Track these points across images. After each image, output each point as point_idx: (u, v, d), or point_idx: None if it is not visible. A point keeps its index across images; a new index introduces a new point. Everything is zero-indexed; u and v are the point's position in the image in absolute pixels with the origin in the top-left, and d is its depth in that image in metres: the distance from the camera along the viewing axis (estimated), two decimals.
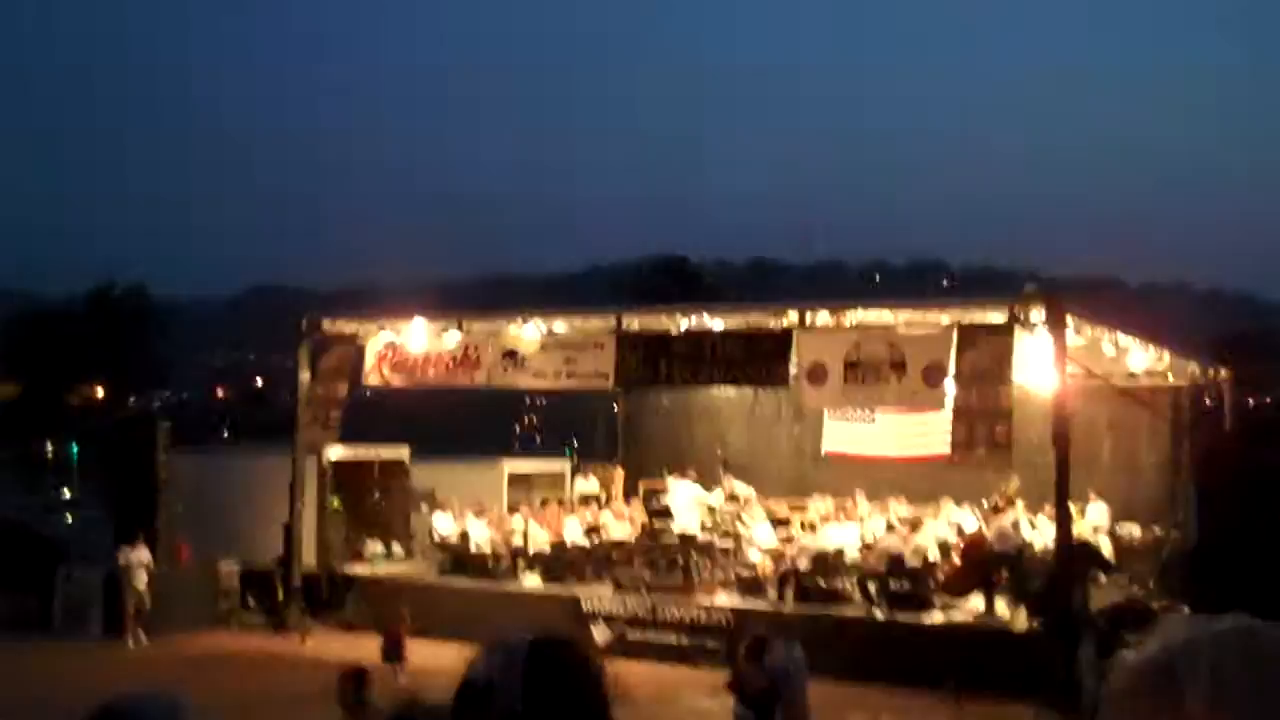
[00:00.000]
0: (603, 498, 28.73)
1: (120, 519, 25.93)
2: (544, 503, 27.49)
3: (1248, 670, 1.53)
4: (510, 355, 25.18)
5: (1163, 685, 1.55)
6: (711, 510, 25.93)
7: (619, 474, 30.73)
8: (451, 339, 25.86)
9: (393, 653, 18.90)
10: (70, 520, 43.94)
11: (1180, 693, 1.53)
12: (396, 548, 28.29)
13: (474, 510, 26.61)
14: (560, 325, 25.32)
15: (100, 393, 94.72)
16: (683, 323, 23.96)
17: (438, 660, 16.57)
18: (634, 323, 24.59)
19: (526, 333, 25.21)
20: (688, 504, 25.21)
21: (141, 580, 23.62)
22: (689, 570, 24.31)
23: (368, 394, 33.60)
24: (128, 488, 26.05)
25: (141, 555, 23.84)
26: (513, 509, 27.78)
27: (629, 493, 28.79)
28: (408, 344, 26.28)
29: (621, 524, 25.93)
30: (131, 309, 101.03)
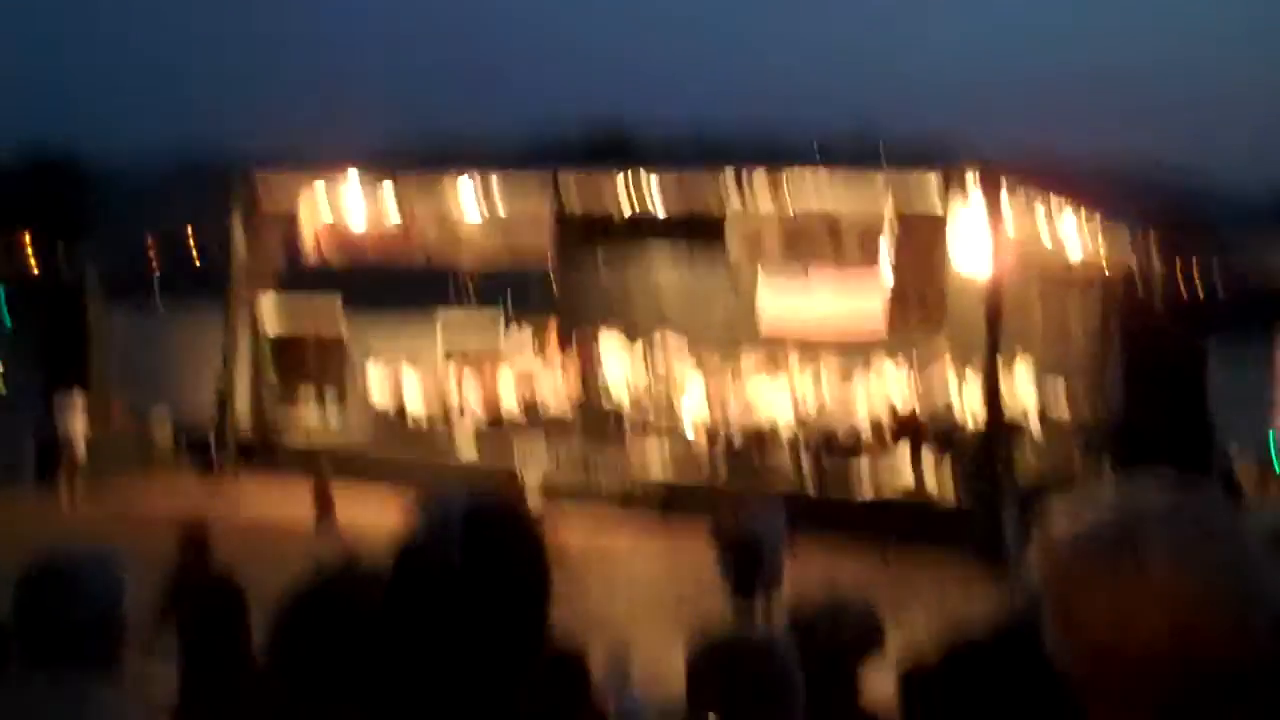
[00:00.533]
0: (536, 346, 28.43)
1: (51, 372, 25.66)
2: (478, 359, 27.22)
3: (1205, 540, 1.53)
4: (449, 231, 25.16)
5: (1120, 551, 1.52)
6: (647, 368, 25.83)
7: (553, 324, 30.40)
8: (391, 221, 25.60)
9: (324, 511, 18.74)
10: (1, 370, 43.47)
11: (1140, 559, 1.51)
12: (331, 404, 27.94)
13: (409, 360, 26.56)
14: (496, 186, 25.06)
15: (31, 252, 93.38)
16: (620, 191, 23.81)
17: (373, 518, 16.76)
18: (572, 189, 24.37)
19: (468, 213, 25.00)
20: (614, 361, 25.22)
21: (79, 429, 23.25)
22: (620, 427, 24.40)
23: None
24: (58, 339, 25.72)
25: (76, 407, 23.45)
26: (448, 357, 27.54)
27: (564, 344, 28.52)
28: (346, 221, 25.98)
29: (553, 378, 25.80)
30: (63, 170, 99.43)
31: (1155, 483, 1.61)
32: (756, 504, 14.75)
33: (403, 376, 26.32)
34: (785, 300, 27.75)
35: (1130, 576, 1.50)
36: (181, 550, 9.66)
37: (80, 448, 22.95)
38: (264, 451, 25.79)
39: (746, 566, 13.46)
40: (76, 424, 23.10)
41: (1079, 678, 1.55)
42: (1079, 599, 1.53)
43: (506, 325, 30.88)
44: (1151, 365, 20.82)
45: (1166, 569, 1.49)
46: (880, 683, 3.74)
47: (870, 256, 21.21)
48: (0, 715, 3.01)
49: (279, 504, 23.22)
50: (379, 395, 26.48)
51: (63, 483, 22.71)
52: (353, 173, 26.09)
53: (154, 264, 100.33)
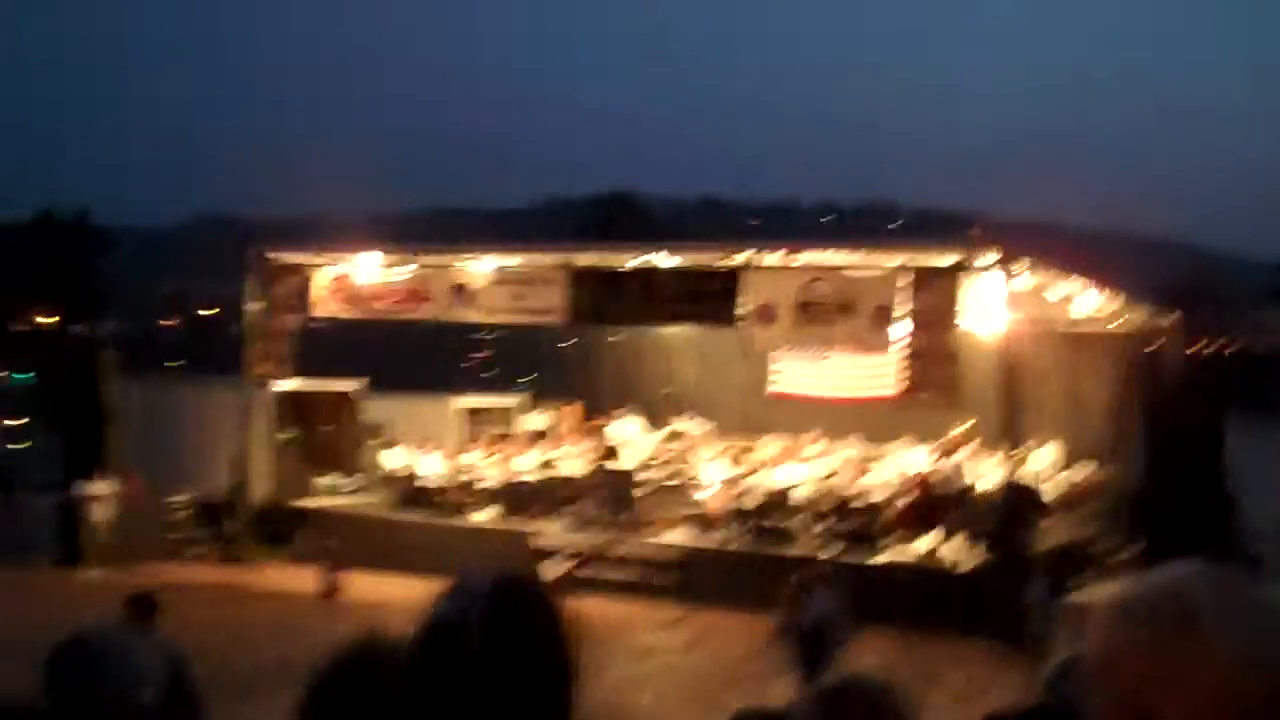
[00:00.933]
0: (554, 434, 28.71)
1: (70, 449, 25.74)
2: (495, 439, 27.44)
3: (1255, 609, 1.54)
4: (460, 290, 25.12)
5: (1175, 620, 1.53)
6: (660, 450, 25.92)
7: (572, 411, 30.71)
8: (401, 273, 25.83)
9: (331, 589, 18.50)
10: (20, 448, 43.56)
11: (1194, 627, 1.52)
12: (347, 481, 28.22)
13: (420, 445, 26.58)
14: (512, 261, 25.29)
15: (43, 320, 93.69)
16: (631, 262, 23.98)
17: (391, 593, 16.72)
18: (584, 260, 24.56)
19: (476, 267, 25.17)
20: (632, 441, 25.21)
21: (101, 512, 23.33)
22: (634, 507, 24.44)
23: (317, 327, 33.40)
24: (76, 417, 25.83)
25: (101, 489, 23.55)
26: (465, 445, 27.80)
27: (582, 429, 28.77)
28: (357, 276, 26.19)
29: (574, 461, 25.95)
30: (74, 234, 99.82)
31: (1189, 562, 1.62)
32: (821, 588, 14.59)
33: (422, 453, 26.38)
34: (799, 369, 27.96)
35: (1187, 645, 1.51)
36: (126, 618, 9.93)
37: (101, 526, 22.86)
38: (282, 527, 25.83)
39: (813, 651, 13.23)
40: (96, 503, 23.06)
41: None
42: (1133, 668, 1.53)
43: (525, 409, 31.11)
44: (1170, 438, 20.73)
45: (1221, 637, 1.51)
46: None
47: (883, 327, 21.24)
48: None
49: (297, 578, 23.24)
50: (397, 467, 26.56)
51: (84, 561, 22.60)
52: (372, 254, 26.26)
53: (170, 338, 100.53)
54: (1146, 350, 28.92)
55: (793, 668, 13.67)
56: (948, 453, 22.69)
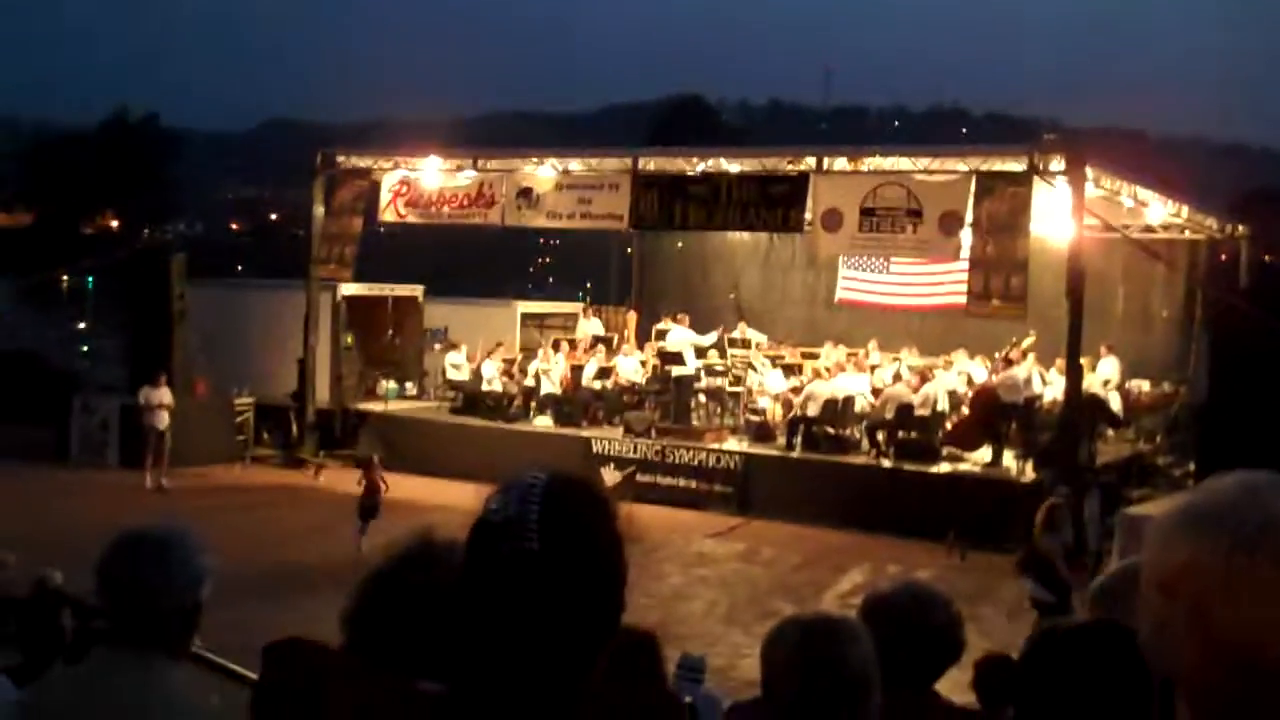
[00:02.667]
0: (615, 340, 28.80)
1: (136, 352, 26.03)
2: (556, 344, 27.55)
3: None
4: (525, 194, 25.10)
5: (1238, 526, 1.48)
6: (723, 354, 25.94)
7: (632, 317, 30.81)
8: (466, 177, 25.87)
9: (371, 505, 17.80)
10: (86, 351, 44.19)
11: (1263, 534, 1.47)
12: (409, 386, 28.53)
13: (488, 350, 26.69)
14: (576, 165, 25.25)
15: (114, 223, 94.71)
16: (699, 165, 23.90)
17: (450, 497, 16.88)
18: (650, 164, 24.49)
19: (542, 172, 25.15)
20: (686, 348, 25.21)
21: (163, 421, 22.73)
22: (693, 414, 24.53)
23: (382, 231, 33.49)
24: (143, 320, 26.07)
25: (163, 395, 22.97)
26: (525, 350, 27.94)
27: (642, 336, 28.85)
28: (422, 180, 26.24)
29: (633, 367, 26.00)
30: (145, 138, 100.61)
31: (1253, 471, 1.57)
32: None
33: (482, 358, 26.51)
34: (866, 276, 27.96)
35: (1257, 554, 1.46)
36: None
37: (167, 437, 22.68)
38: (345, 430, 26.13)
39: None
40: (164, 414, 22.77)
41: (1197, 679, 1.51)
42: (1198, 578, 1.49)
43: (585, 314, 31.22)
44: (1237, 351, 20.45)
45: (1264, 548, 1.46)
46: (958, 675, 3.70)
47: (952, 234, 21.06)
48: (83, 691, 3.04)
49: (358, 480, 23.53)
50: (458, 372, 26.72)
51: (148, 463, 22.47)
52: (434, 157, 26.31)
53: (237, 242, 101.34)
54: (1216, 260, 28.61)
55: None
56: (1009, 363, 22.53)
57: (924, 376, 23.32)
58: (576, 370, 25.84)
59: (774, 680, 3.09)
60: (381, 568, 2.55)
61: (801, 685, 2.99)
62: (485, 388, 25.87)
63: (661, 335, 26.83)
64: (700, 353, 25.10)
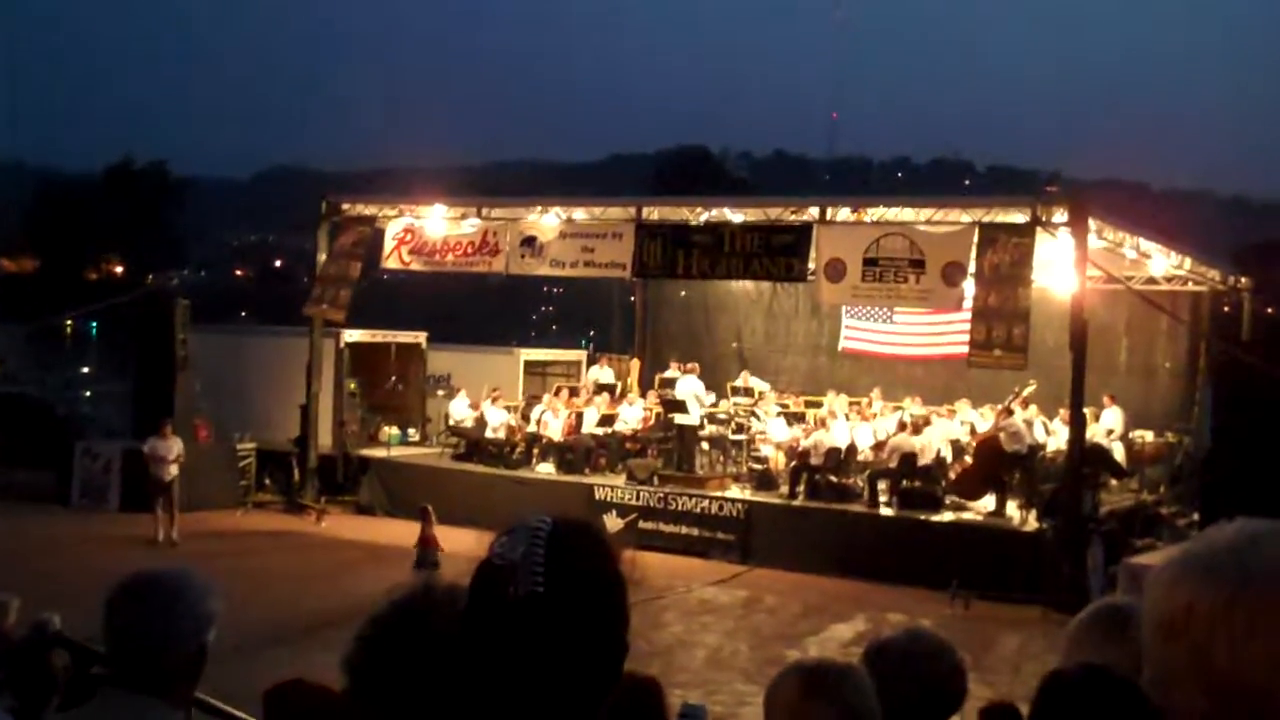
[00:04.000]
0: (618, 389, 28.82)
1: (139, 397, 26.06)
2: (558, 392, 27.56)
3: None
4: (529, 242, 25.16)
5: (1243, 573, 1.48)
6: (723, 403, 25.96)
7: (635, 365, 30.85)
8: (471, 225, 25.94)
9: (428, 558, 17.52)
10: (89, 396, 44.23)
11: (1270, 581, 1.47)
12: (412, 432, 28.54)
13: (491, 397, 26.70)
14: (580, 214, 25.33)
15: (119, 269, 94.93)
16: (702, 215, 23.98)
17: (452, 544, 16.84)
18: (654, 213, 24.57)
19: (545, 220, 25.23)
20: (696, 396, 25.22)
21: (171, 473, 21.78)
22: (697, 462, 24.52)
23: (384, 278, 33.57)
24: (146, 366, 26.09)
25: (172, 447, 21.97)
26: (534, 398, 27.96)
27: (646, 385, 28.87)
28: (427, 229, 26.30)
29: (636, 415, 26.02)
30: (150, 185, 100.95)
31: (1256, 519, 1.57)
32: None
33: (485, 406, 26.51)
34: (870, 326, 28.02)
35: (1262, 602, 1.45)
36: None
37: (168, 476, 21.95)
38: (347, 476, 26.13)
39: None
40: (173, 467, 21.92)
41: (1193, 718, 1.51)
42: (1202, 625, 1.49)
43: (589, 364, 31.28)
44: (1240, 402, 20.47)
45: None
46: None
47: (955, 284, 21.08)
48: None
49: (361, 529, 23.50)
50: (461, 419, 26.72)
51: (158, 515, 21.63)
52: (439, 205, 26.41)
53: (241, 288, 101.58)
54: (1219, 311, 28.66)
55: None
56: (1009, 413, 22.53)
57: (920, 424, 23.31)
58: (579, 418, 25.85)
59: None
60: (382, 613, 2.55)
61: None
62: (489, 434, 25.86)
63: (666, 384, 26.85)
64: (700, 403, 25.11)
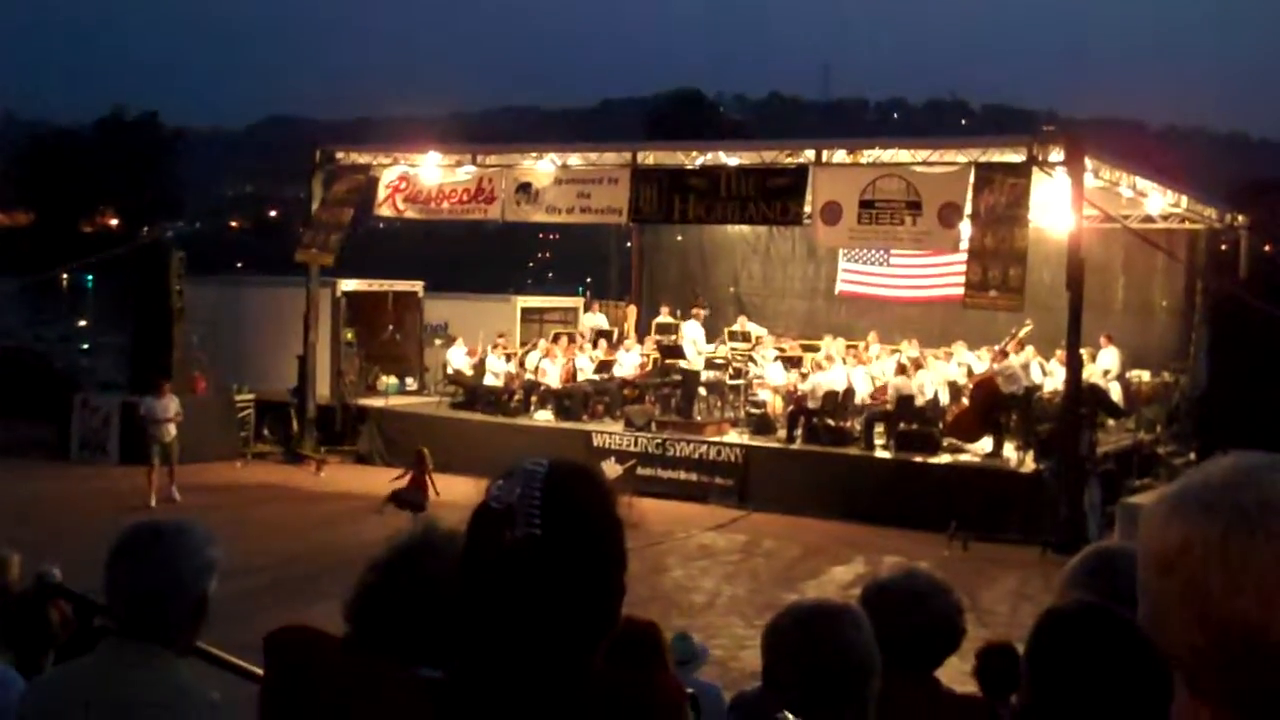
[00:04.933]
0: (615, 334, 28.81)
1: (136, 350, 26.04)
2: (556, 338, 27.55)
3: None
4: (524, 189, 25.09)
5: (1240, 507, 1.46)
6: (723, 347, 25.99)
7: (632, 311, 30.83)
8: (465, 172, 25.86)
9: (413, 498, 17.74)
10: (86, 349, 44.23)
11: (1265, 515, 1.46)
12: (410, 381, 28.54)
13: (491, 343, 26.68)
14: (575, 160, 25.25)
15: (113, 221, 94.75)
16: (698, 159, 23.90)
17: (451, 492, 16.89)
18: (649, 158, 24.50)
19: (541, 166, 25.15)
20: (694, 343, 25.21)
21: (169, 434, 21.13)
22: (696, 407, 24.56)
23: (380, 226, 33.49)
24: (143, 318, 26.05)
25: (169, 406, 21.31)
26: (526, 344, 27.94)
27: (642, 330, 28.87)
28: (421, 176, 26.21)
29: (634, 361, 26.02)
30: (143, 136, 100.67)
31: (1250, 454, 1.56)
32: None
33: (483, 353, 26.51)
34: (867, 268, 28.00)
35: (1259, 535, 1.44)
36: None
37: (174, 450, 21.28)
38: (346, 425, 26.17)
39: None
40: (170, 427, 21.26)
41: (1195, 660, 1.51)
42: (1197, 560, 1.49)
43: (585, 309, 31.25)
44: (1236, 340, 20.50)
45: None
46: (958, 663, 3.71)
47: (951, 225, 21.04)
48: (90, 686, 3.05)
49: (360, 478, 23.54)
50: (458, 367, 26.70)
51: (153, 477, 20.89)
52: (433, 153, 26.33)
53: (236, 239, 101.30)
54: (1216, 250, 28.62)
55: None
56: (1005, 354, 22.54)
57: (916, 365, 23.35)
58: (577, 364, 25.86)
59: (776, 667, 3.10)
60: (383, 558, 2.56)
61: (803, 671, 3.00)
62: (489, 381, 25.85)
63: (663, 329, 26.84)
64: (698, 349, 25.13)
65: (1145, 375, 25.48)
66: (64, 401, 25.86)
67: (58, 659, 3.63)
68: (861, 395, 23.32)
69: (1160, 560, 1.53)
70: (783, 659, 3.08)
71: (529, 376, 25.91)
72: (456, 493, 2.33)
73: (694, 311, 26.37)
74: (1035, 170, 20.42)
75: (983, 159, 21.03)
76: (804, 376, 23.81)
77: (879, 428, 22.49)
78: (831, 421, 22.75)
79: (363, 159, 27.11)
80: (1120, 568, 2.63)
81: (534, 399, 25.68)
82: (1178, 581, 1.50)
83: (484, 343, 26.88)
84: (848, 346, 25.52)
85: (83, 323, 56.68)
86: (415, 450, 19.24)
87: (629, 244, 33.94)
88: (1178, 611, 1.50)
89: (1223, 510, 1.49)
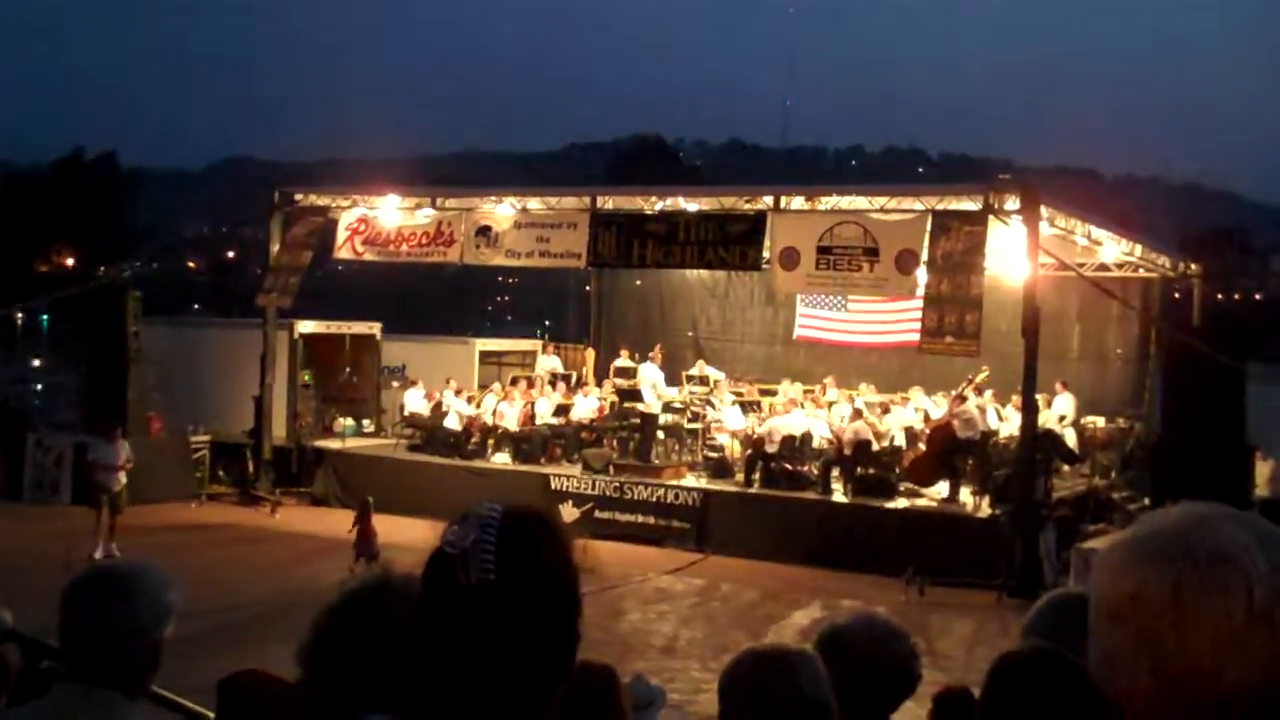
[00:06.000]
0: (573, 378, 28.82)
1: (92, 390, 25.90)
2: (513, 381, 27.52)
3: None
4: (483, 232, 25.10)
5: (1223, 579, 1.47)
6: (681, 391, 26.03)
7: (590, 355, 30.85)
8: (425, 215, 25.85)
9: (366, 549, 17.59)
10: (40, 389, 43.87)
11: (1218, 562, 1.48)
12: (367, 423, 28.43)
13: (456, 389, 26.62)
14: (535, 204, 25.29)
15: (70, 261, 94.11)
16: (657, 204, 23.99)
17: (407, 536, 16.80)
18: (608, 202, 24.57)
19: (500, 210, 25.18)
20: (653, 386, 25.22)
21: (118, 483, 19.76)
22: (653, 451, 24.54)
23: (339, 268, 33.41)
24: (98, 358, 25.91)
25: (119, 453, 19.91)
26: (483, 387, 27.90)
27: (600, 374, 28.88)
28: (380, 219, 26.19)
29: (591, 405, 26.01)
30: (101, 177, 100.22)
31: (1204, 502, 1.58)
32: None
33: (440, 396, 26.46)
34: (824, 314, 28.11)
35: (1213, 583, 1.46)
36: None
37: (123, 499, 19.93)
38: (301, 467, 26.03)
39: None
40: (120, 475, 19.88)
41: (1146, 708, 1.51)
42: (1153, 608, 1.50)
43: (544, 350, 31.26)
44: (1190, 388, 20.65)
45: (1250, 573, 1.47)
46: (914, 708, 3.72)
47: (908, 272, 21.16)
48: None
49: (316, 520, 23.40)
50: (415, 409, 26.62)
51: (99, 527, 19.51)
52: (392, 196, 26.33)
53: (193, 280, 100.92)
54: (1169, 298, 28.90)
55: None
56: (962, 399, 22.66)
57: (883, 412, 23.49)
58: (534, 407, 25.83)
59: (730, 712, 3.11)
60: (336, 603, 2.55)
61: (757, 716, 3.00)
62: (450, 423, 25.75)
63: (621, 373, 26.85)
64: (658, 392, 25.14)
65: (1100, 421, 25.65)
66: (17, 441, 25.61)
67: (11, 703, 3.59)
68: (819, 439, 23.38)
69: (1112, 609, 1.54)
70: (737, 703, 3.08)
71: (486, 419, 25.85)
72: (413, 536, 2.33)
73: (650, 355, 26.38)
74: (991, 218, 20.61)
75: (939, 206, 21.20)
76: (761, 420, 23.86)
77: (836, 472, 22.54)
78: (789, 465, 22.78)
79: (321, 201, 27.07)
80: (1078, 614, 2.65)
81: (491, 442, 25.62)
82: (1130, 630, 1.52)
83: (441, 386, 26.82)
84: (805, 391, 25.58)
85: (37, 362, 56.20)
86: (360, 499, 19.16)
87: (588, 287, 33.98)
88: (1130, 659, 1.52)
89: (1174, 560, 1.51)
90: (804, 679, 3.04)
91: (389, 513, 19.89)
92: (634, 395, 25.01)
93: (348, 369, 28.81)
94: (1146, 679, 1.50)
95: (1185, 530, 1.53)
